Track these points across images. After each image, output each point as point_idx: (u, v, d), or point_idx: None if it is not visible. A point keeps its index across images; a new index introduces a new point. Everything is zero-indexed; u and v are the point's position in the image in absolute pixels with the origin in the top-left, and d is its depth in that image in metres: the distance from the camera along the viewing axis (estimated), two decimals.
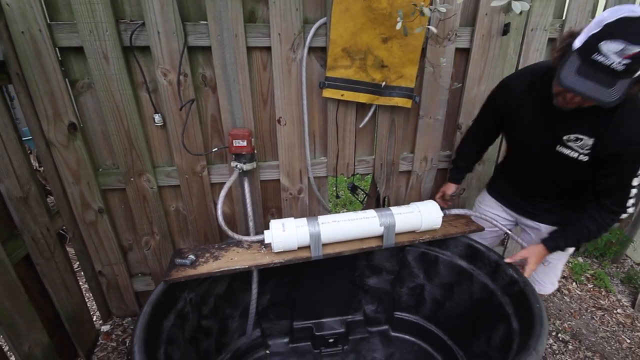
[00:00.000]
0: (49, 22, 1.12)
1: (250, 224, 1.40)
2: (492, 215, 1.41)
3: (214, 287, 1.28)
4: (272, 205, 1.62)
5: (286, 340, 1.56)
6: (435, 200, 1.45)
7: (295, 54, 1.29)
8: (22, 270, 1.19)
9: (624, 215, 1.07)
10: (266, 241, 1.18)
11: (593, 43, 0.78)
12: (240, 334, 1.45)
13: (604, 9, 1.54)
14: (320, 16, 1.28)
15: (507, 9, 0.99)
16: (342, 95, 1.36)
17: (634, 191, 1.01)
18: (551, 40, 1.50)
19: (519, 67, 1.52)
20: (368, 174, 1.65)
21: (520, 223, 1.41)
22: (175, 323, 1.10)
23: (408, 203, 1.40)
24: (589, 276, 2.15)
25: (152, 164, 1.39)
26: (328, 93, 1.35)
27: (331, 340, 1.54)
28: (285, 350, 1.54)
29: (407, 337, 1.59)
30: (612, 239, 2.25)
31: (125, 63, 1.21)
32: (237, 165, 1.33)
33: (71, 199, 1.38)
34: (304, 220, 1.22)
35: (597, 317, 1.85)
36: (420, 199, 1.73)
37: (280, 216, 1.63)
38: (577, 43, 0.83)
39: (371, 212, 1.27)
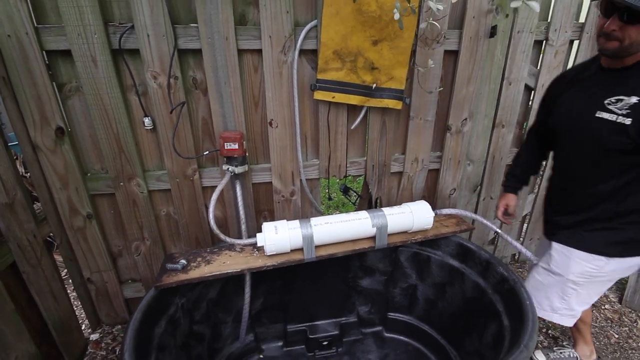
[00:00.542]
0: (35, 25, 1.11)
1: (243, 227, 1.39)
2: None
3: (206, 292, 1.27)
4: (264, 208, 1.61)
5: (280, 344, 1.55)
6: (499, 219, 1.43)
7: (286, 57, 1.30)
8: (8, 279, 1.16)
9: None
10: (259, 244, 1.17)
11: None
12: (233, 338, 1.44)
13: (588, 10, 1.59)
14: (311, 19, 1.29)
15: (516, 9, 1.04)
16: (333, 97, 1.36)
17: None
18: (537, 42, 1.54)
19: (506, 69, 1.55)
20: (360, 176, 1.65)
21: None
22: (167, 329, 1.09)
23: (400, 204, 1.41)
24: None
25: (142, 168, 1.37)
26: (319, 95, 1.36)
27: (325, 343, 1.54)
28: (279, 354, 1.54)
29: (401, 337, 1.60)
30: None
31: (114, 66, 1.20)
32: (228, 168, 1.32)
33: (59, 205, 1.35)
34: (296, 222, 1.22)
35: None
36: (412, 199, 1.74)
37: (272, 219, 1.63)
38: None
39: (363, 214, 1.28)
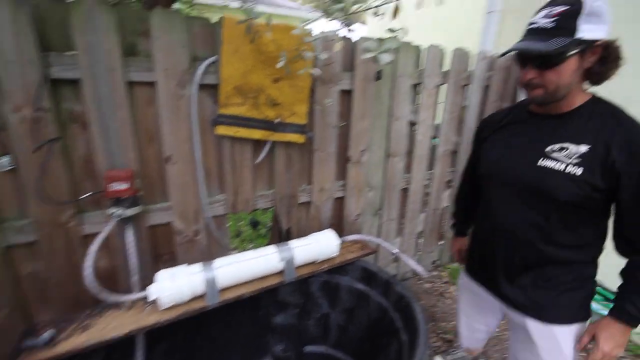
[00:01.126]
0: None
1: (134, 278, 1.22)
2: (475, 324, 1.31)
3: None
4: (164, 251, 1.46)
5: None
6: (457, 260, 1.47)
7: (184, 91, 1.24)
8: None
9: None
10: (151, 297, 1.04)
11: (530, 20, 0.88)
12: None
13: (451, 61, 1.94)
14: (210, 54, 1.27)
15: (376, 59, 1.16)
16: (236, 132, 1.35)
17: None
18: (414, 86, 1.82)
19: (392, 107, 1.78)
20: (269, 208, 1.65)
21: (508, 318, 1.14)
22: None
23: (310, 232, 1.45)
24: None
25: None
26: (221, 130, 1.34)
27: None
28: None
29: None
30: None
31: None
32: (115, 211, 1.17)
33: None
34: (198, 265, 1.14)
35: None
36: (321, 227, 1.80)
37: (174, 263, 1.48)
38: None
39: (270, 249, 1.27)
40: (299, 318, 1.54)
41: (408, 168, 2.06)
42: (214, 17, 1.27)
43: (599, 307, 1.84)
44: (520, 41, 0.85)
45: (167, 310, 1.07)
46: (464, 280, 1.30)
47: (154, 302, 1.09)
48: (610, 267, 0.98)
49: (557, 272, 0.97)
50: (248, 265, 1.21)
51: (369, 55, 1.16)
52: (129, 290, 1.21)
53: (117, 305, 1.09)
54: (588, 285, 0.99)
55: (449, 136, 2.13)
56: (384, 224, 2.06)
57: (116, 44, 1.11)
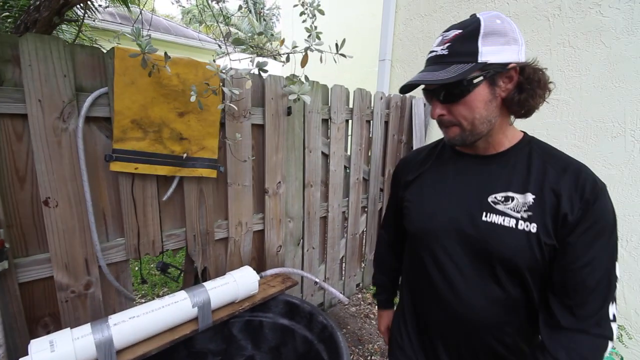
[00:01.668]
0: None
1: (0, 351, 0.97)
2: None
3: None
4: (43, 313, 1.19)
5: None
6: (386, 342, 1.10)
7: (66, 124, 1.09)
8: None
9: (610, 344, 0.65)
10: None
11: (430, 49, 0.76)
12: None
13: (354, 99, 2.14)
14: (100, 85, 1.16)
15: (298, 99, 1.22)
16: (135, 168, 1.23)
17: (614, 292, 0.67)
18: (324, 121, 1.94)
19: (305, 139, 1.85)
20: (181, 248, 1.51)
21: None
22: None
23: (231, 269, 1.36)
24: None
25: None
26: (117, 167, 1.20)
27: None
28: None
29: None
30: None
31: None
32: None
33: None
34: (86, 327, 0.96)
35: None
36: (242, 263, 1.71)
37: (58, 326, 1.22)
38: None
39: (181, 294, 1.14)
40: None
41: (325, 197, 2.14)
42: (110, 46, 1.18)
43: None
44: (420, 72, 0.73)
45: None
46: None
47: None
48: None
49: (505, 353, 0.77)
50: (154, 317, 1.06)
51: (292, 96, 1.23)
52: None
53: None
54: None
55: (359, 165, 2.30)
56: (306, 253, 2.06)
57: None
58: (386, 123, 2.44)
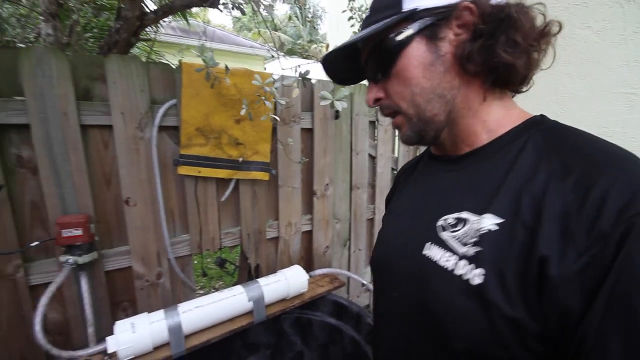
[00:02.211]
0: None
1: (90, 330, 1.13)
2: None
3: None
4: (123, 298, 1.37)
5: None
6: None
7: (143, 133, 1.24)
8: None
9: None
10: (110, 350, 0.97)
11: None
12: None
13: None
14: (169, 97, 1.30)
15: (332, 105, 1.25)
16: (199, 171, 1.35)
17: None
18: (371, 123, 1.94)
19: (352, 142, 1.87)
20: (236, 246, 1.62)
21: None
22: None
23: (280, 268, 1.43)
24: None
25: None
26: (184, 170, 1.33)
27: None
28: None
29: None
30: None
31: None
32: (68, 259, 1.10)
33: None
34: (160, 313, 1.08)
35: None
36: (290, 262, 1.79)
37: (135, 310, 1.39)
38: None
39: (238, 289, 1.23)
40: (272, 359, 1.47)
41: (372, 199, 2.14)
42: (175, 59, 1.32)
43: None
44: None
45: None
46: None
47: (113, 355, 1.01)
48: None
49: None
50: (215, 308, 1.16)
51: (325, 102, 1.26)
52: (84, 344, 1.11)
53: None
54: None
55: None
56: (353, 255, 2.08)
57: (70, 89, 1.10)
58: None
